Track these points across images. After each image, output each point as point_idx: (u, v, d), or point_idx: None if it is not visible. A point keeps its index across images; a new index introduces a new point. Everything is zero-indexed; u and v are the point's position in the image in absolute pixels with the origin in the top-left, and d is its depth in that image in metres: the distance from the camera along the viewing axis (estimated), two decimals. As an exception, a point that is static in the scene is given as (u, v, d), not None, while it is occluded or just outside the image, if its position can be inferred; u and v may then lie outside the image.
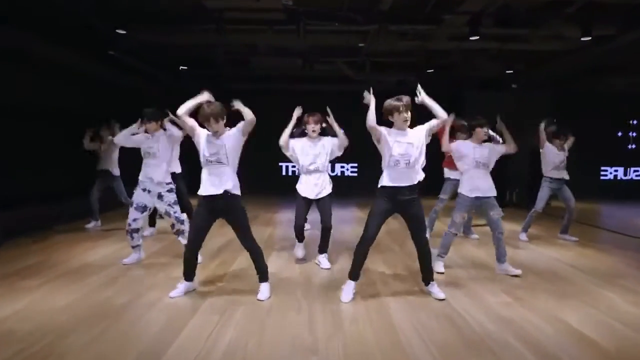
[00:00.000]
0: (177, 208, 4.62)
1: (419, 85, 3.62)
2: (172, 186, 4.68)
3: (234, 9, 6.13)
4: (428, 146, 3.72)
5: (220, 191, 3.48)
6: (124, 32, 6.59)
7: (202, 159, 3.56)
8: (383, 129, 3.59)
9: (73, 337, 2.90)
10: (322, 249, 4.73)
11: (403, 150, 3.51)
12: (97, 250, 5.30)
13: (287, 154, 4.51)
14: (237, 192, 3.57)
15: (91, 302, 3.55)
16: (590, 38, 6.25)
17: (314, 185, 4.48)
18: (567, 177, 6.15)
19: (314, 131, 4.45)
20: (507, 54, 8.34)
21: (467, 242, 6.03)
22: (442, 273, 4.44)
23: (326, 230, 4.60)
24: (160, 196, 4.57)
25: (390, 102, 3.54)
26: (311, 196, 4.50)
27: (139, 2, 6.14)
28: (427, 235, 3.84)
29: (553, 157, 6.11)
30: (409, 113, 3.52)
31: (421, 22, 6.71)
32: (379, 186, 3.62)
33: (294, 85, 10.99)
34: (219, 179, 3.50)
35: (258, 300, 3.62)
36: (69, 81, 7.79)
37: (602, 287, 4.07)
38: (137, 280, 4.15)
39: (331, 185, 4.58)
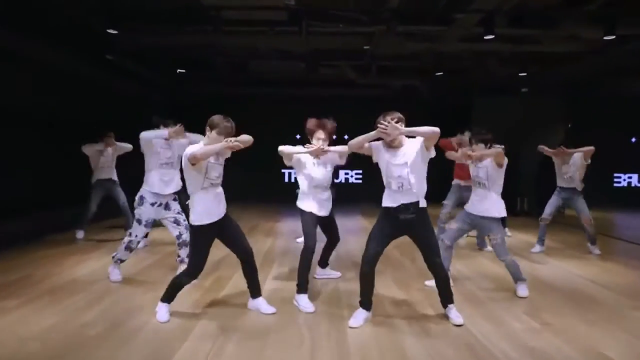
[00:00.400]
0: (184, 215, 4.29)
1: (389, 120, 3.11)
2: (175, 194, 4.41)
3: (233, 8, 5.80)
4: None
5: (223, 214, 3.37)
6: (116, 32, 6.28)
7: (204, 184, 3.25)
8: (374, 147, 3.30)
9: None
10: (327, 261, 4.59)
11: (398, 172, 3.18)
12: (87, 264, 4.97)
13: (289, 164, 3.98)
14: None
15: (70, 326, 3.19)
16: (614, 37, 5.87)
17: (325, 201, 3.95)
18: (578, 187, 5.77)
19: (324, 141, 3.84)
20: (519, 56, 8.00)
21: (481, 256, 5.66)
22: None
23: (336, 243, 4.43)
24: (167, 206, 4.31)
25: (378, 120, 3.17)
26: (322, 213, 3.93)
27: (135, 2, 5.86)
28: None
29: (558, 167, 5.81)
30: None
31: (431, 23, 6.38)
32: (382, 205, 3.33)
33: (295, 90, 10.67)
34: (218, 202, 3.35)
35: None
36: (62, 85, 7.49)
37: (637, 310, 3.69)
38: (125, 300, 3.80)
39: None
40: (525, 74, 8.58)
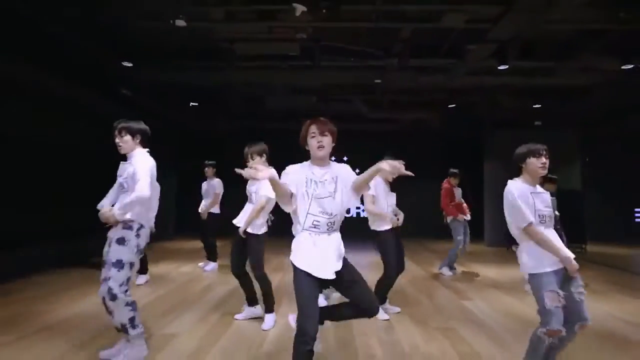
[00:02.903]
0: None
1: None
2: None
3: (247, 40, 5.86)
4: None
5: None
6: (130, 64, 6.37)
7: None
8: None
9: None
10: None
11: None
12: (90, 298, 4.78)
13: None
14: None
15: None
16: (632, 66, 5.78)
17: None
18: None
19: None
20: (532, 88, 7.94)
21: (500, 292, 5.34)
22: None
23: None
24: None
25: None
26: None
27: (152, 38, 5.97)
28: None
29: None
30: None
31: (442, 56, 6.39)
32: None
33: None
34: None
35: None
36: (78, 117, 7.59)
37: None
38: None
39: None
40: (539, 105, 8.48)
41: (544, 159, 2.71)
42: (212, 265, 6.73)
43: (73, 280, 5.66)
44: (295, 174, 2.41)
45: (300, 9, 4.67)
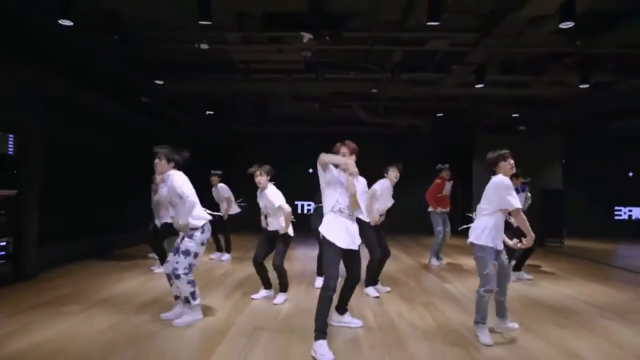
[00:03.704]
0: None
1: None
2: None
3: (259, 61, 6.72)
4: None
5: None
6: (161, 82, 7.22)
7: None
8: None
9: (116, 357, 3.18)
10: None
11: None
12: (126, 282, 5.63)
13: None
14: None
15: (129, 325, 3.84)
16: (588, 85, 6.67)
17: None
18: None
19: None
20: (513, 99, 8.79)
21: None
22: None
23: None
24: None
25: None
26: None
27: (172, 54, 6.82)
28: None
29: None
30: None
31: (431, 71, 7.24)
32: None
33: (310, 128, 11.55)
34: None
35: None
36: (110, 129, 8.50)
37: (605, 318, 4.22)
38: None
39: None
40: (517, 115, 9.35)
41: (511, 161, 3.60)
42: (227, 256, 7.60)
43: (107, 268, 6.53)
44: None
45: (307, 37, 5.52)
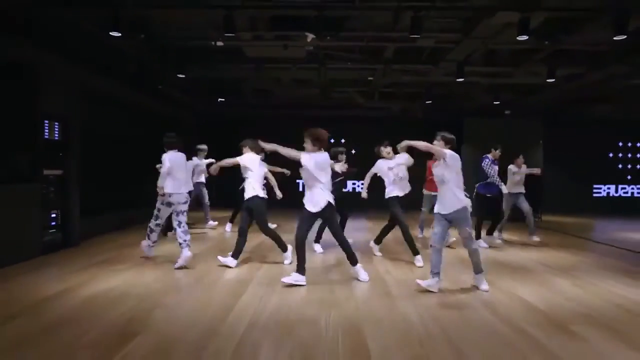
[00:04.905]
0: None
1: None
2: None
3: (268, 59, 7.58)
4: None
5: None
6: (183, 75, 8.07)
7: None
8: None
9: (168, 298, 4.19)
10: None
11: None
12: (160, 247, 6.60)
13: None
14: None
15: (172, 278, 4.86)
16: (553, 80, 7.58)
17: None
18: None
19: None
20: (497, 86, 9.65)
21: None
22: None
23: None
24: None
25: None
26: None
27: (190, 50, 7.64)
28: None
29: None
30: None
31: (420, 63, 8.08)
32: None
33: (311, 111, 12.42)
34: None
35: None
36: (135, 116, 9.42)
37: (556, 276, 5.25)
38: (199, 267, 5.45)
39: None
40: (498, 102, 10.26)
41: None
42: (229, 226, 8.65)
43: (139, 236, 7.49)
44: None
45: (310, 36, 6.34)
